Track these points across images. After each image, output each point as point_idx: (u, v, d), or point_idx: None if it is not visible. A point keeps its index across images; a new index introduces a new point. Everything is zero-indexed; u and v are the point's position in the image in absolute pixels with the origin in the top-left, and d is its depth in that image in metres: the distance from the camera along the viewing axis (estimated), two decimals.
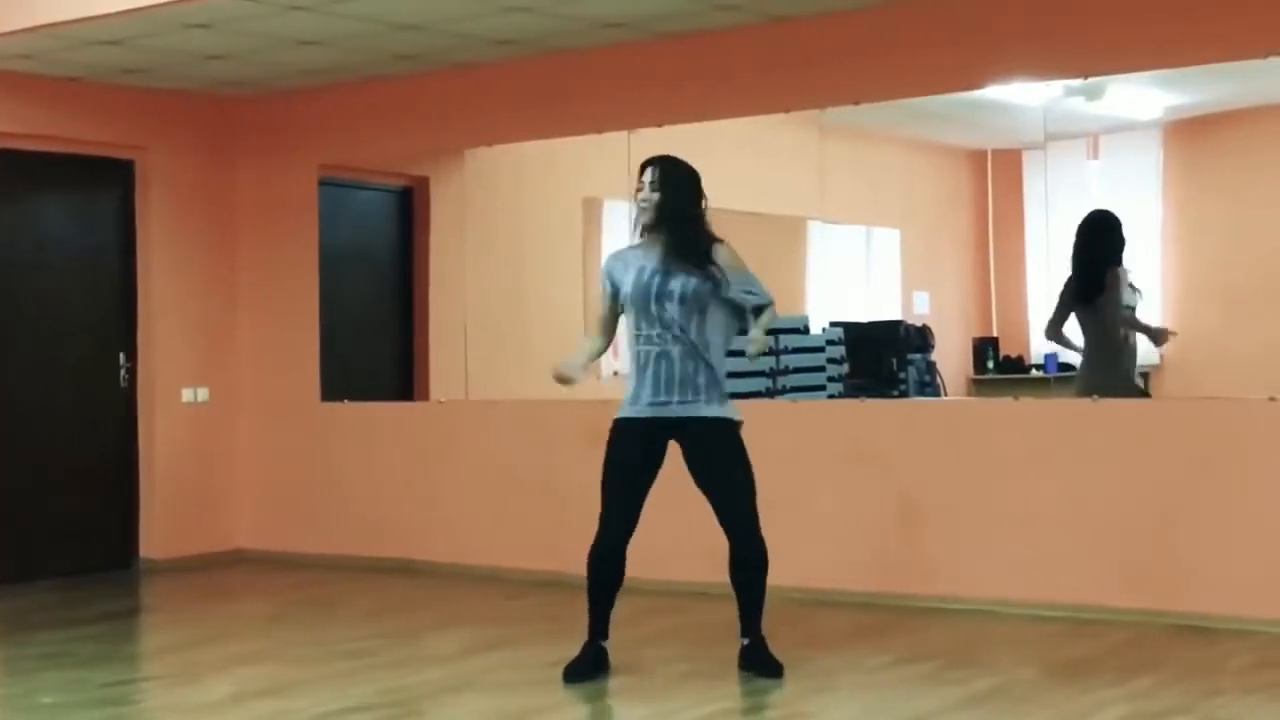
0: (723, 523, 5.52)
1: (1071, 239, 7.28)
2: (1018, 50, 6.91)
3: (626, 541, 5.52)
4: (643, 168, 5.62)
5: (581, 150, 8.42)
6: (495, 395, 8.57)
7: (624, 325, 5.67)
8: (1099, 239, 7.22)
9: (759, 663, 5.52)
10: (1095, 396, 6.78)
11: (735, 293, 5.52)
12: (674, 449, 5.58)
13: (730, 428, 5.51)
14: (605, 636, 5.62)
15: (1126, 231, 7.29)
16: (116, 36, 7.54)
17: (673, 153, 5.67)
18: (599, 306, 5.75)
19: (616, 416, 5.57)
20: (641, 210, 5.58)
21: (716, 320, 5.53)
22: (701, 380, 5.46)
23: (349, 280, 9.29)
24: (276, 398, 9.26)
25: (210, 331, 9.30)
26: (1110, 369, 7.20)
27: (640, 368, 5.51)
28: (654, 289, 5.47)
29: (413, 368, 9.47)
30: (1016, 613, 6.71)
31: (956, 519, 6.94)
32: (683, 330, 5.44)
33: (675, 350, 5.44)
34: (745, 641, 5.56)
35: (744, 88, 7.57)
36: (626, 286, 5.54)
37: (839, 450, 7.29)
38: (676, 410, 5.46)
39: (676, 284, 5.46)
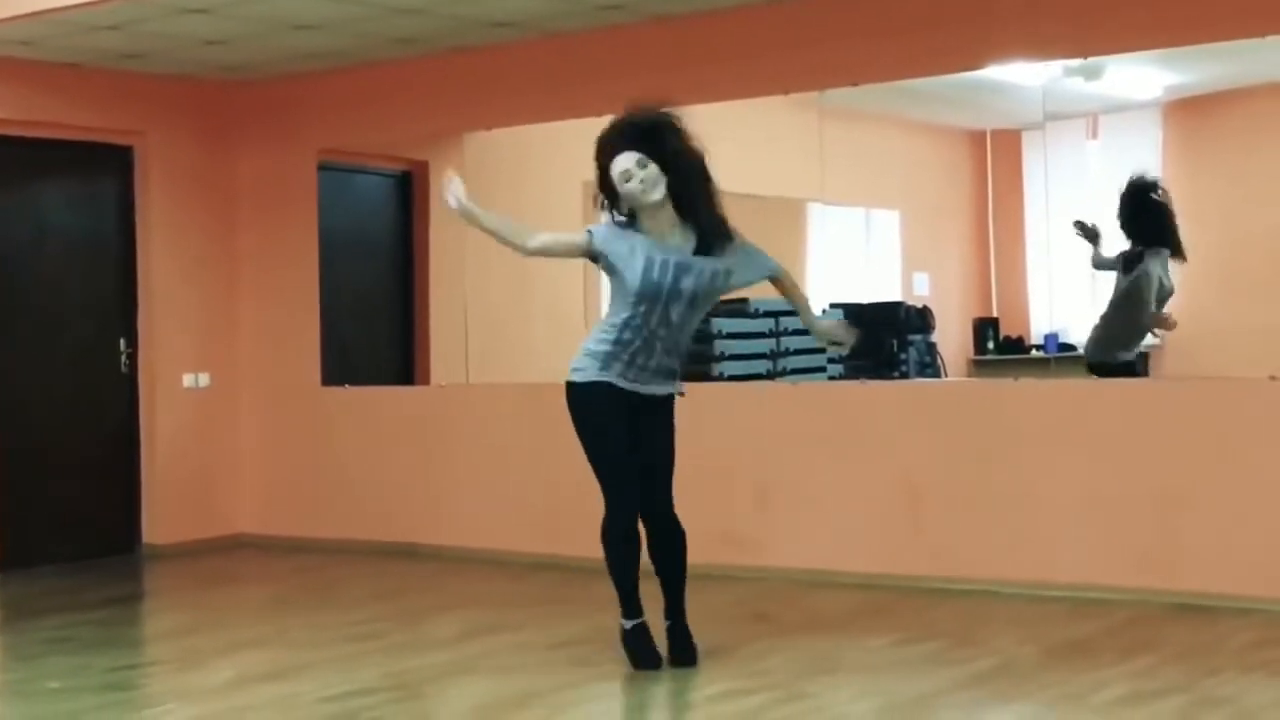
0: (648, 500, 5.34)
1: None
2: (1016, 30, 6.90)
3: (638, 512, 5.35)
4: (626, 135, 5.22)
5: (581, 133, 8.33)
6: (496, 379, 8.57)
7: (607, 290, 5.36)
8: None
9: (678, 647, 5.42)
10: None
11: (745, 278, 5.40)
12: None
13: (673, 401, 5.44)
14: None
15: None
16: (115, 22, 7.54)
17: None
18: (566, 239, 5.36)
19: (586, 380, 5.23)
20: (641, 189, 5.16)
21: (709, 306, 5.42)
22: (675, 366, 5.37)
23: (349, 265, 9.28)
24: (277, 382, 9.27)
25: (211, 317, 9.30)
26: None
27: (623, 343, 5.20)
28: (665, 288, 5.17)
29: (413, 352, 9.48)
30: (1017, 593, 6.73)
31: (957, 499, 6.95)
32: (679, 330, 5.27)
33: (660, 345, 5.25)
34: (668, 623, 5.45)
35: (742, 70, 7.55)
36: (632, 277, 5.14)
37: (839, 432, 7.30)
38: (650, 389, 5.30)
39: (689, 282, 5.19)
